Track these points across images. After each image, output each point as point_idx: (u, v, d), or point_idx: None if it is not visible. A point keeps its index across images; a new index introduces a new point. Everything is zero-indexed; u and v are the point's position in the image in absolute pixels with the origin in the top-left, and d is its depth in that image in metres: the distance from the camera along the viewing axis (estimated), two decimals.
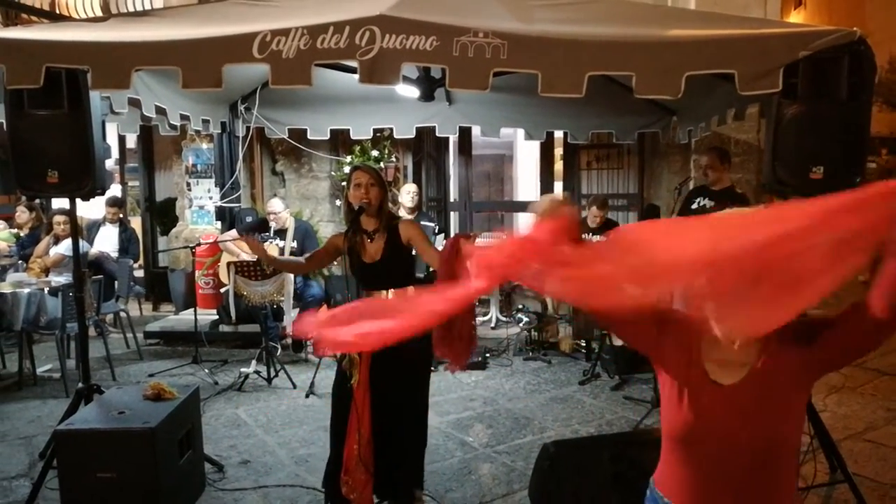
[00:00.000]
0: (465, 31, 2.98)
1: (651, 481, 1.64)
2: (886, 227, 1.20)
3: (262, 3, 3.71)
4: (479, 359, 5.86)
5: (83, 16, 7.66)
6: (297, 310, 6.16)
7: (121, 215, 7.45)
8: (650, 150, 7.54)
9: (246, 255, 6.02)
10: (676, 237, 1.36)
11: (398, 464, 3.17)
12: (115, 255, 7.00)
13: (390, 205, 3.46)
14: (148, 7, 7.51)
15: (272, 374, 5.45)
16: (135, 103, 4.27)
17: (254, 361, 5.53)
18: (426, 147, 8.04)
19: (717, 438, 1.48)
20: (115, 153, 9.22)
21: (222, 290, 6.58)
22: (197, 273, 7.10)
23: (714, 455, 1.49)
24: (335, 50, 3.04)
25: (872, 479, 3.64)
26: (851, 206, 1.21)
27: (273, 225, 6.14)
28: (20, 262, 6.76)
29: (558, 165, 8.32)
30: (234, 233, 6.37)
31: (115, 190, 8.03)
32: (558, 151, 8.25)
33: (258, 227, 6.12)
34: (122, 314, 6.62)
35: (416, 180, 7.83)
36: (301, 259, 3.67)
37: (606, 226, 6.00)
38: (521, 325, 6.22)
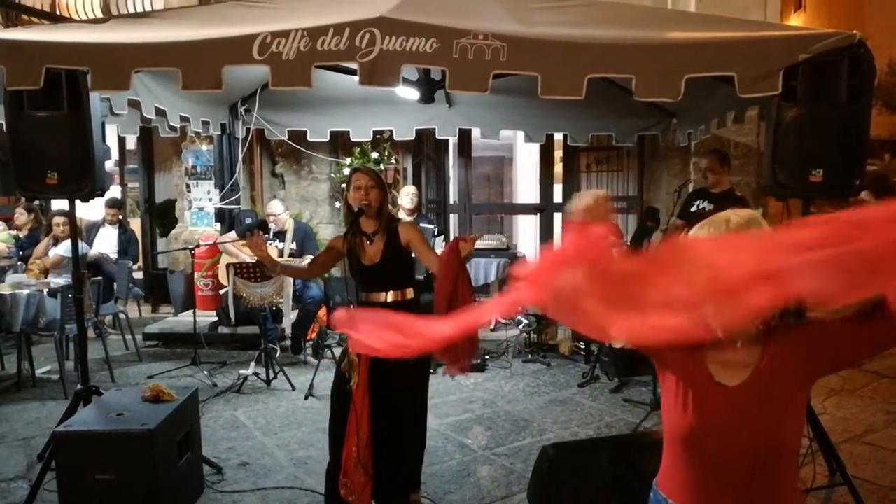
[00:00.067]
0: (465, 34, 2.98)
1: (654, 483, 1.65)
2: None
3: (262, 4, 3.71)
4: (479, 361, 5.86)
5: (83, 17, 7.65)
6: (296, 311, 6.15)
7: (120, 217, 7.44)
8: (650, 153, 7.54)
9: (246, 256, 6.02)
10: (727, 255, 1.27)
11: (397, 466, 3.17)
12: (114, 256, 6.99)
13: (390, 207, 3.46)
14: (148, 8, 7.51)
15: (271, 375, 5.45)
16: (135, 105, 4.27)
17: (253, 363, 5.52)
18: (426, 149, 8.04)
19: (721, 439, 1.48)
20: (114, 154, 9.21)
21: (221, 291, 6.58)
22: (196, 275, 7.09)
23: (717, 456, 1.49)
24: (335, 52, 3.04)
25: (872, 482, 3.64)
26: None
27: (272, 227, 6.14)
28: (19, 263, 6.75)
29: (558, 168, 8.32)
30: (233, 234, 6.37)
31: (114, 191, 8.02)
32: (558, 154, 8.25)
33: (258, 230, 6.11)
34: (122, 316, 6.61)
35: (416, 182, 7.83)
36: (304, 265, 3.67)
37: None
38: (520, 327, 6.22)
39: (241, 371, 5.49)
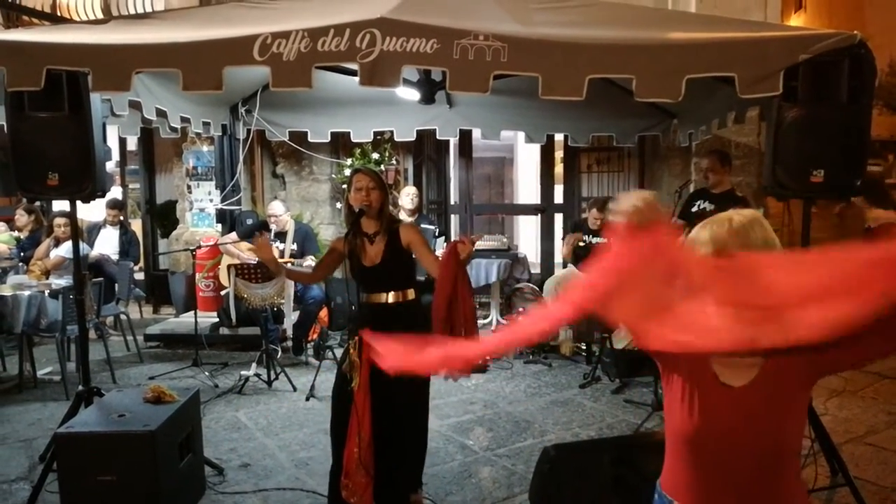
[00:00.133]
0: (465, 34, 2.98)
1: (657, 484, 1.65)
2: None
3: (263, 5, 3.72)
4: (479, 362, 5.85)
5: (84, 18, 7.66)
6: (297, 312, 6.16)
7: (121, 218, 7.44)
8: (650, 153, 7.54)
9: (247, 257, 6.03)
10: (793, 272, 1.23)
11: (398, 467, 3.17)
12: (115, 257, 6.99)
13: (391, 207, 3.46)
14: (149, 9, 7.52)
15: (272, 376, 5.44)
16: (135, 106, 4.28)
17: (254, 364, 5.52)
18: (427, 150, 8.05)
19: (726, 440, 1.48)
20: (115, 155, 9.22)
21: (222, 292, 6.57)
22: (197, 276, 7.10)
23: (721, 456, 1.49)
24: (336, 52, 3.05)
25: (874, 483, 3.63)
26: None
27: (273, 227, 6.15)
28: (20, 264, 6.76)
29: (559, 168, 8.32)
30: (234, 235, 6.38)
31: (115, 192, 8.02)
32: (559, 154, 8.25)
33: (258, 230, 6.12)
34: (123, 317, 6.62)
35: (417, 183, 7.83)
36: (307, 266, 3.67)
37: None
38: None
39: (243, 372, 5.49)
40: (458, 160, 8.27)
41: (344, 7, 3.35)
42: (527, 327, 1.43)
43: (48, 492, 3.36)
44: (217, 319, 6.85)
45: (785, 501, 1.53)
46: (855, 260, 1.17)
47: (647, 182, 7.67)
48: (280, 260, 4.29)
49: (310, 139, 6.41)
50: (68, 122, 3.37)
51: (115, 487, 3.00)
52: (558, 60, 3.01)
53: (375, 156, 7.27)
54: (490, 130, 6.31)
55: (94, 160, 3.44)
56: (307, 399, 5.10)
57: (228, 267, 5.77)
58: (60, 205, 6.51)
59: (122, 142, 9.40)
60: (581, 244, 6.05)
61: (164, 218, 9.05)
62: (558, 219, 8.14)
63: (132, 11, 7.68)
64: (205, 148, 7.89)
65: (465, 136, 7.73)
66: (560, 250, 6.58)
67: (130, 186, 9.97)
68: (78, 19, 7.59)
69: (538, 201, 8.46)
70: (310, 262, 5.55)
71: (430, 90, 4.91)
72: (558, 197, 8.19)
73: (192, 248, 6.61)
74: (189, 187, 8.14)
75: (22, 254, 6.95)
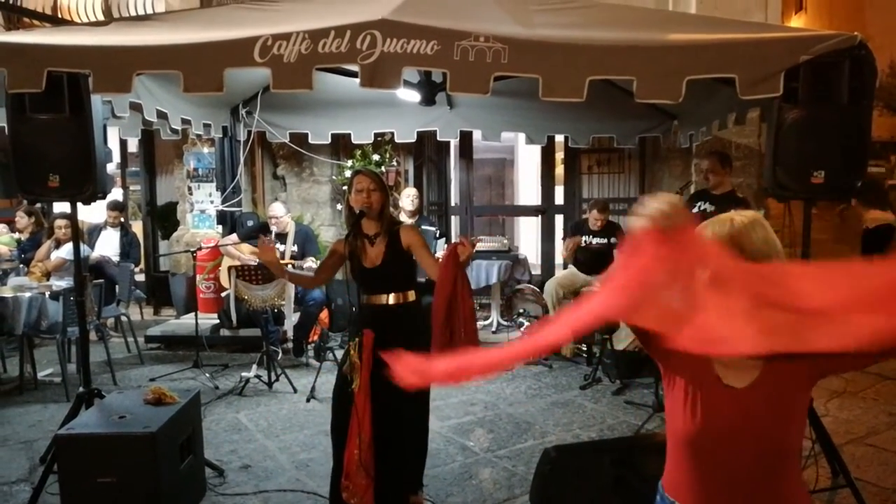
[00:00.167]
0: (465, 36, 2.99)
1: (659, 485, 1.65)
2: None
3: (264, 7, 3.72)
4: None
5: (85, 20, 7.67)
6: (298, 314, 6.16)
7: (122, 219, 7.44)
8: (651, 155, 7.55)
9: (247, 259, 6.03)
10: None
11: (399, 468, 3.17)
12: (116, 259, 6.99)
13: (391, 209, 3.46)
14: (149, 11, 7.53)
15: (273, 378, 5.44)
16: (136, 107, 4.28)
17: (254, 366, 5.52)
18: (427, 151, 8.05)
19: (728, 441, 1.48)
20: (116, 157, 9.23)
21: (223, 294, 6.58)
22: (198, 277, 7.10)
23: (724, 458, 1.50)
24: (336, 54, 3.05)
25: (875, 484, 3.63)
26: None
27: (274, 229, 6.15)
28: (21, 266, 6.76)
29: (559, 169, 8.32)
30: (235, 237, 6.38)
31: (116, 194, 8.02)
32: (559, 156, 8.25)
33: (259, 232, 6.13)
34: (123, 318, 6.62)
35: (417, 184, 7.83)
36: (308, 267, 3.66)
37: (609, 228, 6.00)
38: (522, 329, 6.21)
39: (243, 373, 5.49)
40: (459, 161, 8.27)
41: (344, 8, 3.36)
42: (549, 334, 1.42)
43: (49, 493, 3.36)
44: (218, 321, 6.85)
45: (787, 502, 1.53)
46: (880, 276, 1.17)
47: (647, 183, 7.68)
48: (281, 262, 4.29)
49: (310, 141, 6.41)
50: (69, 124, 3.37)
51: (115, 489, 3.00)
52: (559, 62, 3.02)
53: (376, 157, 7.28)
54: (490, 132, 6.31)
55: (94, 162, 3.44)
56: (308, 400, 5.10)
57: (229, 268, 5.77)
58: (61, 206, 6.51)
59: (123, 143, 9.40)
60: (581, 244, 6.05)
61: (164, 219, 9.05)
62: (559, 220, 8.14)
63: (133, 13, 7.68)
64: (205, 150, 7.89)
65: (466, 138, 7.74)
66: (560, 252, 6.58)
67: (131, 188, 9.97)
68: (79, 21, 7.59)
69: (539, 202, 8.46)
70: (310, 263, 5.55)
71: (430, 92, 4.92)
72: (559, 198, 8.19)
73: (192, 249, 6.61)
74: (190, 189, 8.14)
75: (23, 255, 6.95)
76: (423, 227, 5.92)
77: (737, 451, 1.48)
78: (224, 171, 6.64)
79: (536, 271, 7.95)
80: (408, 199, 6.23)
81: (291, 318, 6.09)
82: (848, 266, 1.24)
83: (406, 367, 1.45)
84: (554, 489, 2.94)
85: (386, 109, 5.99)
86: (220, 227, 7.26)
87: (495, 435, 4.44)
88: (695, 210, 5.07)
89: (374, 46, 3.00)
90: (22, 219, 7.31)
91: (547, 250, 8.17)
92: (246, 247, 6.19)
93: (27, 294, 5.26)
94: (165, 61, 3.16)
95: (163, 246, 9.12)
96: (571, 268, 6.30)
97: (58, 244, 6.34)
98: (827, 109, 3.11)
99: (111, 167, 4.34)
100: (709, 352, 1.32)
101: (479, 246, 6.10)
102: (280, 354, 6.07)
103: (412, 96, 5.10)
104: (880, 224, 10.04)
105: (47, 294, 5.39)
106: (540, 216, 8.30)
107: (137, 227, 8.83)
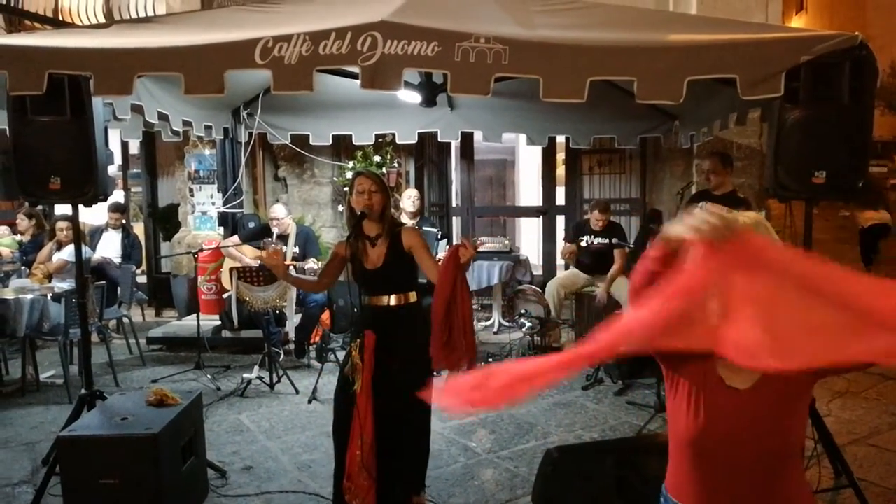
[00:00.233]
0: (466, 37, 2.98)
1: (663, 488, 1.65)
2: None
3: (264, 9, 3.72)
4: (482, 364, 5.85)
5: (86, 22, 7.69)
6: (300, 315, 6.16)
7: (123, 221, 7.45)
8: (652, 155, 7.54)
9: (249, 260, 6.03)
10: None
11: (401, 469, 3.17)
12: (117, 260, 7.00)
13: (392, 210, 3.47)
14: (150, 13, 7.54)
15: (275, 379, 5.44)
16: (137, 109, 4.28)
17: (256, 367, 5.52)
18: (428, 152, 8.05)
19: (731, 442, 1.49)
20: (117, 159, 9.23)
21: (225, 295, 6.58)
22: (199, 279, 7.10)
23: (727, 458, 1.50)
24: (337, 56, 3.05)
25: (877, 484, 3.63)
26: None
27: (275, 230, 6.15)
28: (23, 268, 6.77)
29: (560, 170, 8.32)
30: (236, 238, 6.38)
31: (117, 196, 8.04)
32: (560, 156, 8.25)
33: (260, 234, 6.13)
34: (125, 320, 6.62)
35: (419, 185, 7.84)
36: (310, 272, 3.65)
37: (610, 229, 5.99)
38: (523, 329, 6.21)
39: (245, 375, 5.49)
40: (460, 162, 8.28)
41: (345, 10, 3.36)
42: (594, 350, 1.38)
43: (51, 495, 3.36)
44: (219, 322, 6.86)
45: (790, 501, 1.53)
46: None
47: (648, 184, 7.68)
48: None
49: (311, 142, 6.41)
50: (70, 126, 3.37)
51: (117, 490, 3.00)
52: (559, 63, 3.01)
53: (377, 158, 7.28)
54: (491, 133, 6.31)
55: (95, 164, 3.44)
56: (309, 402, 5.10)
57: (230, 270, 5.78)
58: (62, 209, 6.52)
59: (125, 145, 9.41)
60: (582, 245, 6.05)
61: (166, 221, 9.06)
62: (560, 220, 8.14)
63: (134, 15, 7.70)
64: (207, 151, 7.90)
65: (467, 139, 7.74)
66: (560, 253, 6.59)
67: (133, 190, 9.98)
68: (80, 23, 7.62)
69: (540, 203, 8.46)
70: (311, 264, 5.55)
71: (431, 93, 4.91)
72: (560, 199, 8.19)
73: (194, 251, 6.61)
74: (191, 190, 8.15)
75: (24, 257, 6.96)
76: (425, 228, 5.92)
77: (739, 452, 1.49)
78: (225, 173, 6.64)
79: (538, 272, 7.95)
80: (409, 200, 6.23)
81: (293, 320, 6.09)
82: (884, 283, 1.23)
83: (453, 394, 1.42)
84: (556, 490, 2.94)
85: (387, 111, 5.99)
86: (222, 228, 7.26)
87: (497, 436, 4.44)
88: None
89: (375, 48, 3.00)
90: (23, 221, 7.32)
91: (548, 251, 8.17)
92: (247, 248, 6.19)
93: (29, 296, 5.26)
94: (166, 63, 3.16)
95: (164, 247, 9.14)
96: (573, 268, 6.30)
97: (59, 246, 6.35)
98: (828, 109, 3.10)
99: (112, 169, 4.31)
100: (755, 366, 1.30)
101: (481, 247, 6.10)
102: (282, 356, 6.07)
103: (413, 97, 5.09)
104: (874, 223, 10.17)
105: (49, 296, 5.40)
106: (541, 217, 8.30)
107: (139, 229, 8.84)
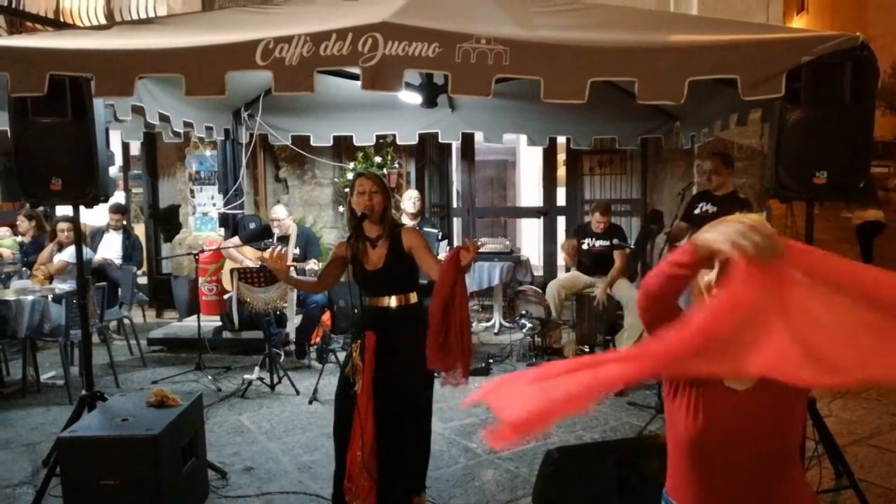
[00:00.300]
0: (467, 38, 2.98)
1: (664, 492, 1.64)
2: None
3: (265, 10, 3.73)
4: (483, 364, 5.85)
5: (87, 24, 7.69)
6: (300, 316, 6.16)
7: (124, 222, 7.46)
8: (653, 156, 7.54)
9: (249, 261, 6.03)
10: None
11: (401, 470, 3.17)
12: (118, 262, 7.00)
13: (393, 211, 3.47)
14: (151, 15, 7.54)
15: (275, 380, 5.45)
16: (138, 111, 4.28)
17: (257, 368, 5.52)
18: (429, 153, 8.05)
19: (730, 443, 1.49)
20: (118, 160, 9.24)
21: (225, 296, 6.58)
22: (200, 280, 7.11)
23: (727, 460, 1.50)
24: (338, 57, 3.05)
25: (878, 485, 3.62)
26: None
27: (276, 231, 6.15)
28: (24, 269, 6.77)
29: (561, 171, 8.32)
30: (237, 239, 6.39)
31: (118, 197, 8.05)
32: (561, 157, 8.25)
33: (261, 235, 6.13)
34: (126, 321, 6.63)
35: (419, 186, 7.84)
36: (311, 273, 3.65)
37: (611, 231, 6.00)
38: (524, 330, 6.20)
39: (246, 376, 5.49)
40: (461, 163, 8.28)
41: (346, 11, 3.36)
42: (623, 369, 1.32)
43: (52, 496, 3.36)
44: (220, 323, 6.86)
45: (790, 502, 1.53)
46: None
47: (649, 184, 7.67)
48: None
49: (312, 143, 6.41)
50: (71, 128, 3.37)
51: (118, 491, 3.00)
52: (560, 63, 3.01)
53: (378, 159, 7.28)
54: (492, 133, 6.31)
55: (97, 165, 3.45)
56: (310, 402, 5.10)
57: (231, 271, 5.78)
58: (63, 210, 6.52)
59: (126, 147, 9.42)
60: (584, 247, 6.05)
61: (167, 222, 9.06)
62: (561, 221, 8.14)
63: (135, 17, 7.69)
64: (207, 152, 7.90)
65: (468, 140, 7.74)
66: (561, 246, 6.60)
67: (133, 191, 9.99)
68: (81, 25, 7.62)
69: (541, 204, 8.46)
70: (312, 265, 5.55)
71: (432, 94, 4.91)
72: (561, 199, 8.19)
73: (194, 252, 6.62)
74: (192, 192, 8.15)
75: (25, 258, 6.96)
76: (426, 229, 5.92)
77: (738, 453, 1.49)
78: (226, 174, 6.64)
79: (538, 273, 7.95)
80: (409, 201, 6.23)
81: (294, 321, 6.10)
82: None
83: (512, 410, 1.33)
84: (557, 491, 2.94)
85: (387, 111, 5.99)
86: (223, 229, 7.26)
87: None
88: (697, 211, 5.07)
89: (376, 49, 3.00)
90: (23, 222, 7.33)
91: (549, 252, 8.17)
92: (248, 249, 6.19)
93: (30, 297, 5.27)
94: (167, 65, 3.16)
95: (165, 249, 9.14)
96: (573, 269, 6.30)
97: (60, 247, 6.35)
98: (829, 110, 3.10)
99: (113, 170, 4.30)
100: (799, 383, 1.26)
101: (482, 248, 6.10)
102: (282, 356, 6.07)
103: (414, 98, 5.09)
104: (867, 221, 10.29)
105: (50, 297, 5.41)
106: (542, 218, 8.30)
107: (140, 230, 8.85)
